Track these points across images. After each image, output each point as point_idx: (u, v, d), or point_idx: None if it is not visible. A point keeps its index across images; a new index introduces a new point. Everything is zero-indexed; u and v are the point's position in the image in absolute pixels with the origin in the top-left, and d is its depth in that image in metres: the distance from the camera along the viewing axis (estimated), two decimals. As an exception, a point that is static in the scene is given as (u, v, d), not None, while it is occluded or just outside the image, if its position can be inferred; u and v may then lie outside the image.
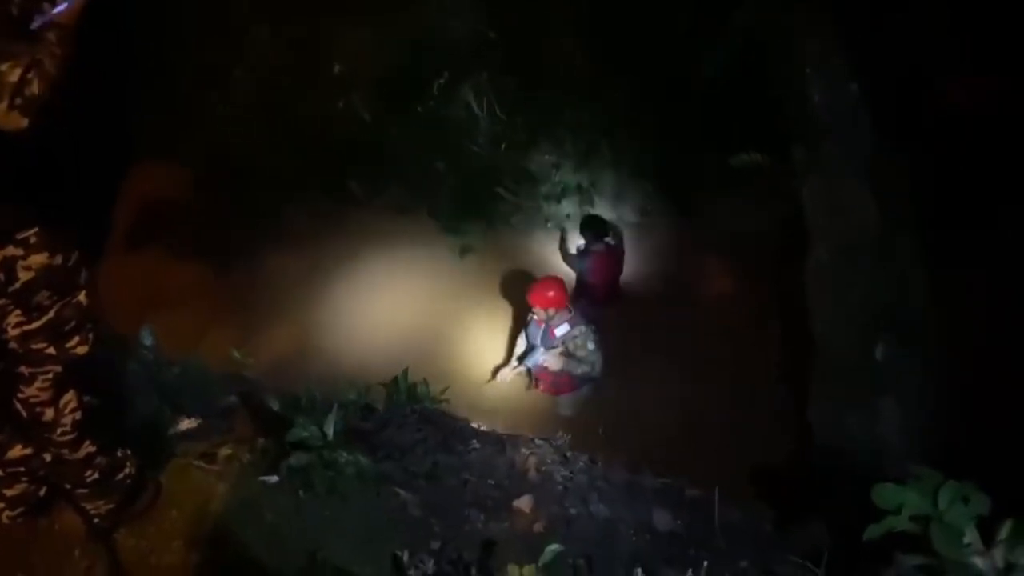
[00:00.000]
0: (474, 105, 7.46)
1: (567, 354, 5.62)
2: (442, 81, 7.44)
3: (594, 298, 6.58)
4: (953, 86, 5.31)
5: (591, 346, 5.59)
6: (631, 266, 6.91)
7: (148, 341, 3.45)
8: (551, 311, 5.64)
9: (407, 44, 7.57)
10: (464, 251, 7.52)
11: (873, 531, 2.28)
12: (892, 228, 4.94)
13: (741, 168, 6.30)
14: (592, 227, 6.63)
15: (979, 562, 2.17)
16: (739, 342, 5.97)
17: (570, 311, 5.69)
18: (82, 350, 2.17)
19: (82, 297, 2.14)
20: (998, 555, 2.18)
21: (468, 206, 7.70)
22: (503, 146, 7.53)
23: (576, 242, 6.91)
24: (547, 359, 5.68)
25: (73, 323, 2.12)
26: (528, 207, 7.71)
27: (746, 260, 6.53)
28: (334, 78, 7.78)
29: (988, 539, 2.20)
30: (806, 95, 5.35)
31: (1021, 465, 2.95)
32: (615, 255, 6.72)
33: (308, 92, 7.80)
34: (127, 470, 2.55)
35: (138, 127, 7.13)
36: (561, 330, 5.64)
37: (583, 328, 5.63)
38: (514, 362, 6.04)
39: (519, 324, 6.20)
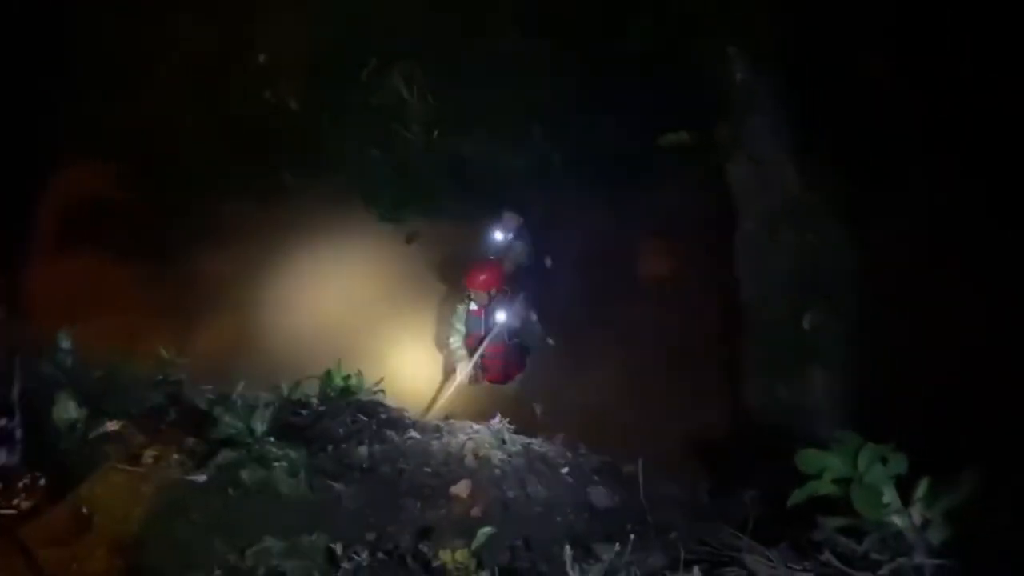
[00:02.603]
0: (404, 90, 7.38)
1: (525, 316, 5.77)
2: (369, 67, 7.34)
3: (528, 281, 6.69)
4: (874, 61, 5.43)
5: (533, 317, 5.78)
6: (567, 248, 6.97)
7: (66, 344, 3.33)
8: (492, 291, 5.74)
9: (333, 30, 7.43)
10: (408, 239, 7.49)
11: (797, 496, 2.32)
12: (816, 201, 5.06)
13: (669, 147, 6.38)
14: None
15: (898, 520, 2.22)
16: (674, 318, 6.06)
17: (506, 291, 5.79)
18: None
19: None
20: (915, 513, 2.24)
21: (404, 194, 7.63)
22: (435, 132, 7.48)
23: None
24: (509, 316, 5.76)
25: None
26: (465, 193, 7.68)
27: (678, 237, 6.62)
28: (261, 68, 7.61)
29: (906, 498, 2.26)
30: (729, 74, 5.43)
31: (937, 424, 3.05)
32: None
33: (235, 83, 7.62)
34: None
35: (56, 126, 6.90)
36: (502, 309, 5.75)
37: (523, 298, 5.89)
38: (462, 352, 6.01)
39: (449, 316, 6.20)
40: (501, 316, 5.87)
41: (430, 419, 4.15)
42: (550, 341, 5.97)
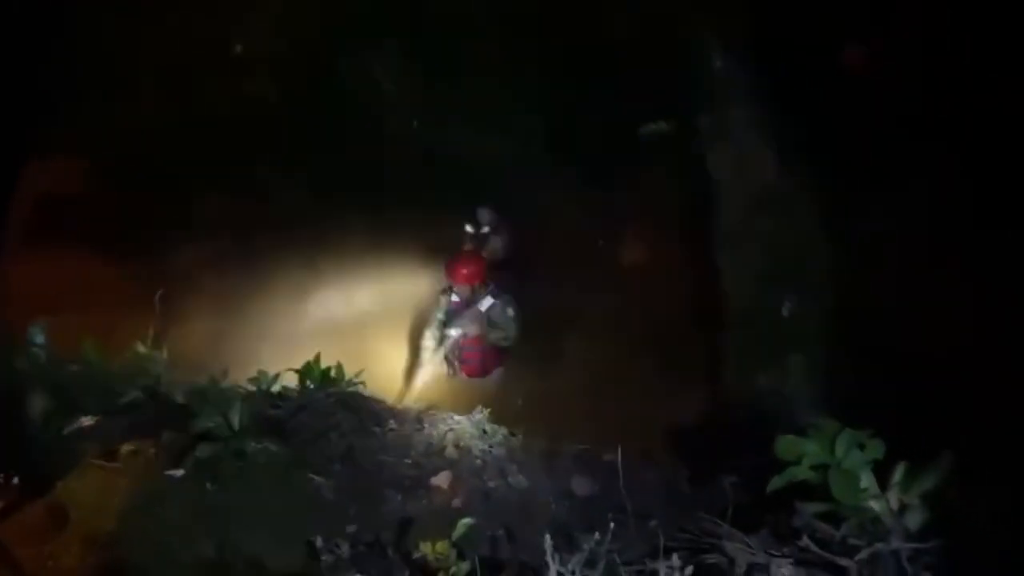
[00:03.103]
0: (383, 81, 7.34)
1: (489, 322, 5.69)
2: (350, 58, 7.29)
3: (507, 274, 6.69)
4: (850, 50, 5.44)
5: (510, 312, 5.70)
6: (548, 239, 6.98)
7: (39, 339, 3.28)
8: (476, 285, 5.70)
9: (315, 21, 7.36)
10: (393, 233, 7.45)
11: (776, 482, 2.34)
12: (796, 189, 5.09)
13: (649, 136, 6.37)
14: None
15: (875, 505, 2.24)
16: (654, 307, 6.07)
17: (488, 284, 5.75)
18: None
19: None
20: (892, 497, 2.26)
21: (387, 186, 7.58)
22: (414, 123, 7.44)
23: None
24: (468, 325, 5.71)
25: None
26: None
27: (658, 227, 6.62)
28: (239, 61, 7.52)
29: (884, 483, 2.28)
30: (710, 63, 5.44)
31: (914, 410, 3.08)
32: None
33: (214, 76, 7.52)
34: None
35: (36, 121, 6.78)
36: (485, 304, 5.70)
37: (505, 297, 5.76)
38: (430, 352, 5.98)
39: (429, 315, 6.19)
40: (482, 306, 5.84)
41: (404, 406, 4.14)
42: (505, 336, 5.93)
